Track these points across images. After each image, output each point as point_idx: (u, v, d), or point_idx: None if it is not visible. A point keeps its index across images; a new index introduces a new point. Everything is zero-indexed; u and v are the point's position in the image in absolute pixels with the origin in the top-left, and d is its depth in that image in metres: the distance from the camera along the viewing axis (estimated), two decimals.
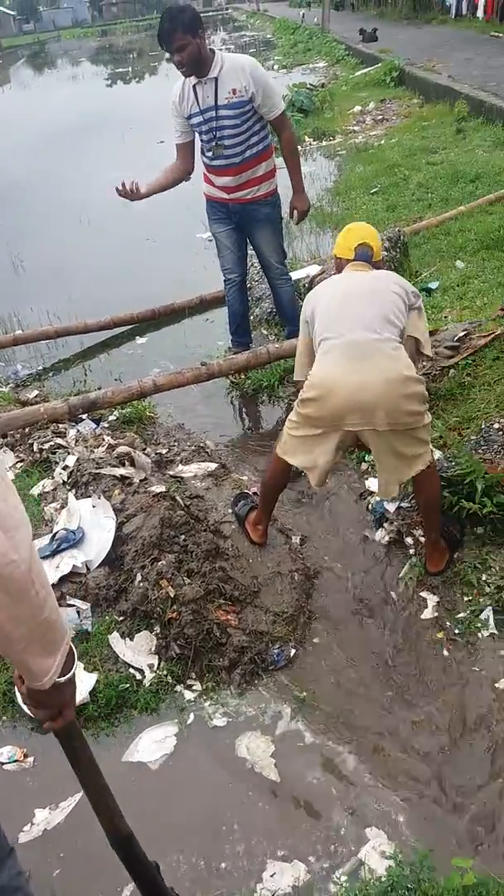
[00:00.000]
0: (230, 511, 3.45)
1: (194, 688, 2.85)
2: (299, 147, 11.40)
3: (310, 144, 11.95)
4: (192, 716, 2.75)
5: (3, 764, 2.63)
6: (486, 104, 10.31)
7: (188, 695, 2.82)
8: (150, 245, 8.47)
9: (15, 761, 2.63)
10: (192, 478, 3.86)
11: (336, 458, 2.89)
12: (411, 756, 2.55)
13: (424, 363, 4.00)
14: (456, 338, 4.29)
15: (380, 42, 20.94)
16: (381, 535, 3.51)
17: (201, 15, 4.15)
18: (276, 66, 24.09)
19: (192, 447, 4.26)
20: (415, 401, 2.72)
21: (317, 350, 2.91)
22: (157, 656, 2.91)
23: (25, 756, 2.65)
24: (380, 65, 16.90)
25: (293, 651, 2.94)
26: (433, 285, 5.63)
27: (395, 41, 20.33)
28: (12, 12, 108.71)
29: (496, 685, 2.67)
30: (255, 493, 3.51)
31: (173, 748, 2.65)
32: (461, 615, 2.97)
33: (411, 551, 3.34)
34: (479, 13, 20.79)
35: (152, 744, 2.67)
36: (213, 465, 3.89)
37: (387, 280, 3.01)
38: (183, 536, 3.17)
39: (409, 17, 27.45)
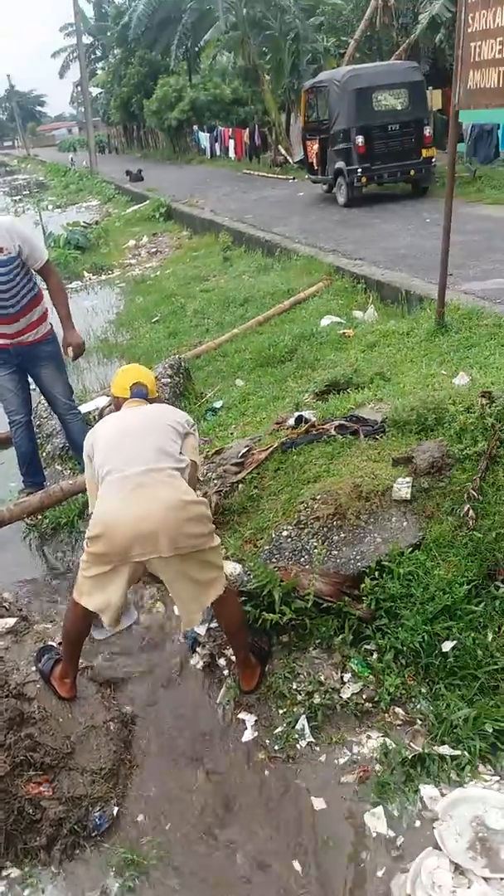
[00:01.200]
0: (34, 669, 3.28)
1: (12, 877, 2.59)
2: (79, 282, 11.83)
3: (90, 279, 12.40)
4: None
5: None
6: (246, 234, 11.39)
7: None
8: None
9: None
10: None
11: (127, 594, 2.89)
12: None
13: (207, 484, 4.17)
14: (240, 454, 4.52)
15: (146, 181, 22.59)
16: (196, 661, 3.50)
17: None
18: (50, 206, 24.97)
19: None
20: (197, 523, 2.81)
21: (99, 486, 2.95)
22: None
23: None
24: (148, 202, 18.18)
25: (116, 809, 2.78)
26: (218, 404, 5.95)
27: (160, 180, 22.03)
28: None
29: (315, 800, 2.70)
30: (59, 644, 3.38)
31: None
32: (279, 730, 3.00)
33: (226, 672, 3.36)
34: (231, 154, 23.19)
35: None
36: (11, 621, 3.70)
37: (160, 413, 3.17)
38: None
39: (171, 158, 29.97)
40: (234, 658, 3.35)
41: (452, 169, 5.38)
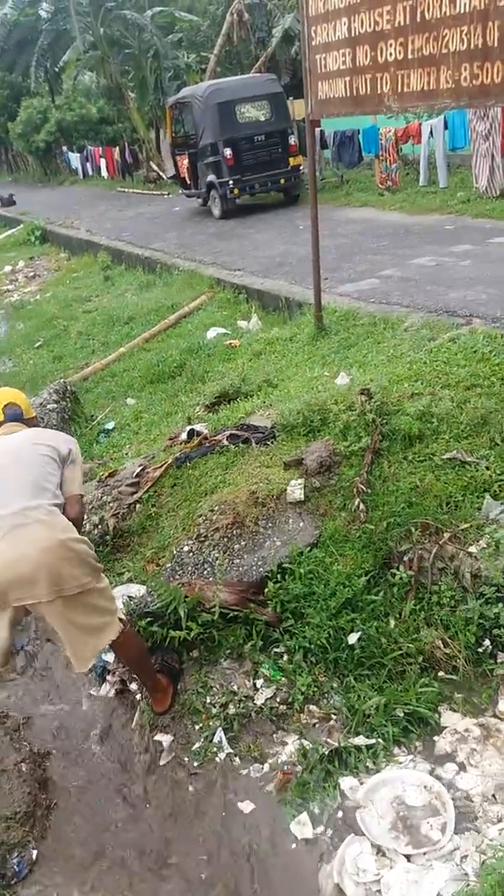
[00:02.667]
0: None
1: None
2: None
3: None
4: None
5: None
6: (125, 252, 11.33)
7: None
8: None
9: None
10: None
11: (11, 636, 2.74)
12: None
13: (103, 508, 4.10)
14: (135, 474, 4.49)
15: (18, 205, 22.06)
16: (107, 690, 3.43)
17: None
18: None
19: None
20: (78, 563, 2.66)
21: None
22: None
23: None
24: (22, 226, 17.76)
25: (35, 853, 2.69)
26: (110, 426, 5.89)
27: (33, 203, 21.58)
28: None
29: (241, 808, 2.71)
30: None
31: None
32: (196, 745, 2.99)
33: (138, 696, 3.31)
34: (104, 173, 22.99)
35: None
36: None
37: (36, 441, 2.96)
38: None
39: (42, 180, 29.39)
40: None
41: (314, 176, 5.56)
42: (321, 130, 11.92)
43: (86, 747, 3.18)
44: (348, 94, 4.48)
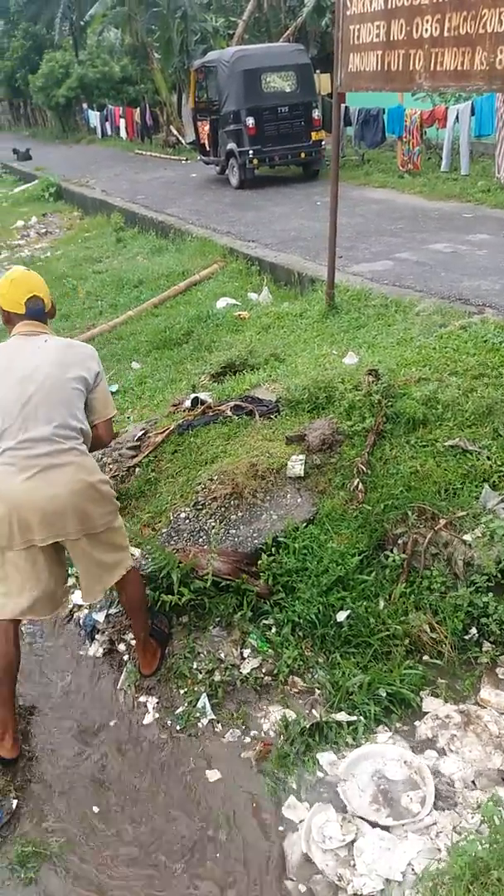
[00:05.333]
0: None
1: None
2: None
3: None
4: None
5: None
6: (138, 215, 11.20)
7: None
8: None
9: None
10: None
11: (53, 578, 2.76)
12: None
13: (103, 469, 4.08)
14: (136, 437, 4.49)
15: (35, 160, 21.77)
16: (95, 649, 3.46)
17: None
18: None
19: None
20: (104, 503, 2.74)
21: None
22: None
23: None
24: (37, 181, 17.55)
25: (14, 803, 2.73)
26: (113, 388, 5.85)
27: (49, 159, 21.30)
28: None
29: (218, 773, 2.74)
30: None
31: None
32: (180, 710, 3.02)
33: (126, 657, 3.34)
34: (122, 134, 22.67)
35: None
36: None
37: (66, 361, 2.73)
38: None
39: (60, 136, 28.97)
40: (133, 643, 3.35)
41: (337, 150, 5.48)
42: (345, 107, 11.72)
43: (70, 703, 3.21)
44: (379, 69, 4.40)
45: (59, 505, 2.61)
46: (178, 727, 2.97)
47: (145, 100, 23.32)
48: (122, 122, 22.79)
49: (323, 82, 15.61)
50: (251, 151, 12.14)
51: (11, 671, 2.83)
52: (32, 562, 2.69)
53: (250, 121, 12.05)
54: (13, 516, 2.59)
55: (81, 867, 2.53)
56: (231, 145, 12.54)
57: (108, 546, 2.83)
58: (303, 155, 12.60)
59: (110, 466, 4.35)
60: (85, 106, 26.85)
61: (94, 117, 25.53)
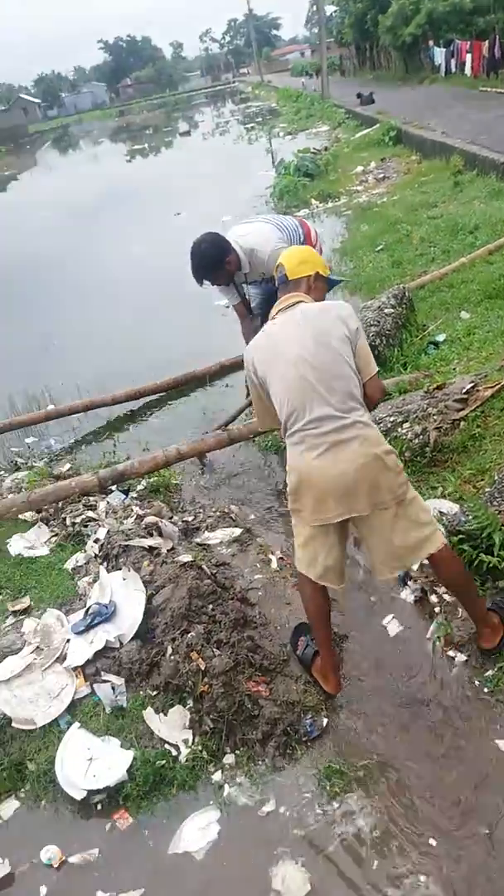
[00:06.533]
0: (288, 648, 3.24)
1: (229, 763, 2.86)
2: (306, 210, 11.91)
3: (316, 207, 12.36)
4: (230, 796, 2.75)
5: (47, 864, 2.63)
6: (479, 157, 10.62)
7: (219, 777, 2.82)
8: (169, 315, 8.82)
9: (50, 865, 2.62)
10: (217, 545, 3.94)
11: (344, 555, 2.82)
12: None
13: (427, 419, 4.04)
14: (464, 390, 4.37)
15: (377, 104, 21.77)
16: (407, 594, 3.53)
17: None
18: (281, 134, 25.19)
19: (217, 513, 4.34)
20: (392, 473, 2.64)
21: (285, 437, 2.76)
22: (191, 731, 2.94)
23: (63, 861, 2.64)
24: (378, 126, 17.55)
25: (325, 721, 2.94)
26: (440, 338, 5.75)
27: (391, 102, 21.11)
28: (37, 100, 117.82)
29: None
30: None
31: (217, 835, 2.64)
32: (489, 672, 2.96)
33: (437, 609, 3.36)
34: (467, 70, 21.51)
35: (196, 831, 2.66)
36: (237, 531, 3.96)
37: (326, 330, 2.73)
38: (211, 606, 3.23)
39: (403, 78, 28.46)
40: (446, 597, 3.35)
41: None
42: None
43: (379, 640, 3.33)
44: None
45: (350, 481, 2.59)
46: (485, 689, 2.92)
47: (496, 31, 21.70)
48: (467, 58, 21.59)
49: None
50: None
51: (326, 618, 2.98)
52: (325, 533, 2.74)
53: None
54: (309, 494, 2.66)
55: (387, 794, 2.65)
56: None
57: (408, 521, 2.67)
58: None
59: (434, 417, 4.31)
60: (431, 43, 25.90)
61: (438, 54, 24.56)
